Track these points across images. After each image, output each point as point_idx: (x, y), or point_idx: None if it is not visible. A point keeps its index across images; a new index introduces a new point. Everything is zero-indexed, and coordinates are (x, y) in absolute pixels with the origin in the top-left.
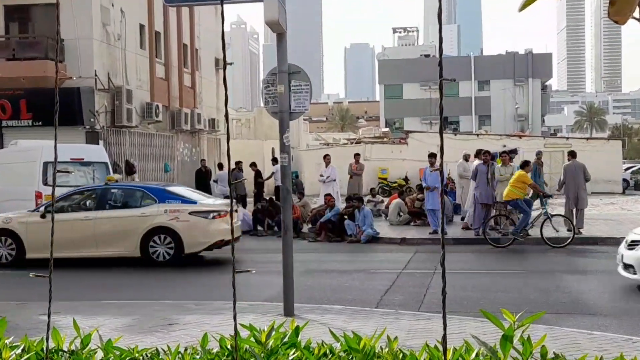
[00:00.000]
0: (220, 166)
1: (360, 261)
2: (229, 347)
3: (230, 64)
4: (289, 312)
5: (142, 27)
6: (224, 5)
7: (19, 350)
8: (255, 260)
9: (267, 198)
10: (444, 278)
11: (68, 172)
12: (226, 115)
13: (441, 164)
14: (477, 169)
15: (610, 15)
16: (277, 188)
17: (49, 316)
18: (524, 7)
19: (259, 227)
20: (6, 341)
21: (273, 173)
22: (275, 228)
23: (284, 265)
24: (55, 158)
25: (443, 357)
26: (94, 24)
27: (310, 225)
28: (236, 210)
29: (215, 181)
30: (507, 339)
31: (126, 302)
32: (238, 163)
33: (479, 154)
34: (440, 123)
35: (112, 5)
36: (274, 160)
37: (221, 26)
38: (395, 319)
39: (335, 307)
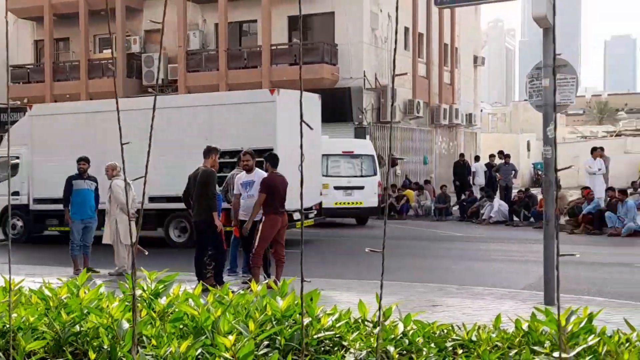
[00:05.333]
0: (477, 159)
1: (621, 254)
2: (524, 328)
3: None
4: (549, 301)
5: (406, 29)
6: (484, 5)
7: (333, 318)
8: (512, 249)
9: (523, 189)
10: None
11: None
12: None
13: None
14: None
15: None
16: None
17: (381, 287)
18: None
19: (515, 218)
20: (319, 310)
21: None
22: (532, 219)
23: (545, 256)
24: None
25: None
26: (364, 29)
27: (567, 218)
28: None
29: (474, 173)
30: None
31: (391, 282)
32: (507, 156)
33: None
34: None
35: (381, 10)
36: (506, 156)
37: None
38: None
39: (596, 299)
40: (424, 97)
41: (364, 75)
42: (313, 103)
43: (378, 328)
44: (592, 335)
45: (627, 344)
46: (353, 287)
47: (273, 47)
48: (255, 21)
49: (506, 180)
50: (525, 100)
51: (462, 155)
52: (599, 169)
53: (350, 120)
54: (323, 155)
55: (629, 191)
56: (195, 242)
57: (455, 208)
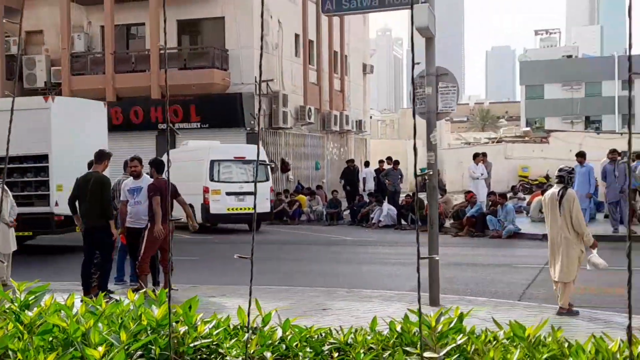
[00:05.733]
0: (367, 164)
1: (502, 255)
2: (398, 329)
3: (418, 63)
4: (434, 302)
5: (297, 36)
6: (372, 14)
7: (211, 326)
8: (400, 252)
9: (411, 194)
10: (629, 270)
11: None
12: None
13: (628, 160)
14: (605, 169)
15: None
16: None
17: (250, 294)
18: None
19: (403, 222)
20: (198, 317)
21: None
22: (419, 223)
23: (430, 258)
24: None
25: (628, 346)
26: (254, 34)
27: (452, 221)
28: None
29: (364, 178)
30: None
31: (283, 287)
32: (396, 162)
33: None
34: (628, 115)
35: (271, 17)
36: (395, 162)
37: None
38: (539, 312)
39: (478, 299)
40: (315, 104)
41: (255, 81)
42: (99, 110)
43: (247, 335)
44: (461, 335)
45: (494, 342)
46: (245, 294)
47: (162, 51)
48: (143, 24)
49: (395, 185)
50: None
51: (351, 160)
52: (482, 174)
53: (241, 126)
54: (214, 160)
55: (508, 195)
56: (85, 249)
57: (346, 213)
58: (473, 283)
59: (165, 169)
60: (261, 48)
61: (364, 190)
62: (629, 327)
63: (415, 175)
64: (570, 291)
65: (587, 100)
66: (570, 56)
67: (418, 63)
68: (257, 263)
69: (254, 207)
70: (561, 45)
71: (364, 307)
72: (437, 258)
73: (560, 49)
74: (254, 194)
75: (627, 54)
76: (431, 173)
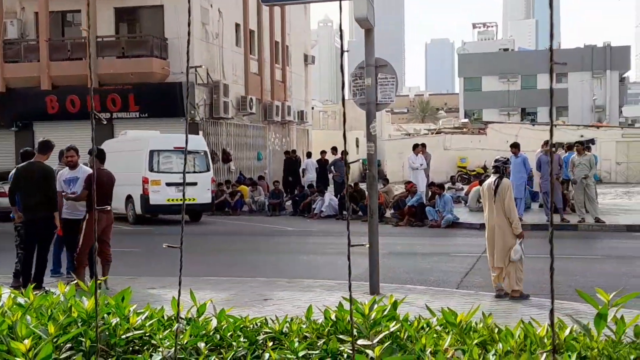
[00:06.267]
0: (309, 155)
1: (440, 245)
2: (333, 318)
3: (347, 51)
4: (374, 290)
5: (237, 25)
6: (313, 4)
7: (143, 317)
8: (341, 242)
9: (352, 184)
10: (552, 256)
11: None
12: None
13: (551, 150)
14: (539, 160)
15: None
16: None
17: (179, 284)
18: None
19: (345, 212)
20: (131, 309)
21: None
22: (360, 213)
23: (370, 247)
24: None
25: (551, 329)
26: (194, 23)
27: (392, 211)
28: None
29: (304, 169)
30: (601, 317)
31: (223, 278)
32: (343, 153)
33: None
34: (550, 107)
35: (211, 5)
36: (342, 153)
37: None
38: (476, 299)
39: (418, 287)
40: (257, 94)
41: (196, 71)
42: None
43: (176, 325)
44: (395, 322)
45: (427, 329)
46: (186, 285)
47: (99, 39)
48: (79, 11)
49: (342, 176)
50: (351, 98)
51: (293, 151)
52: (421, 164)
53: (182, 116)
54: (153, 150)
55: (447, 185)
56: (26, 241)
57: (288, 203)
58: (413, 272)
59: (107, 159)
60: (188, 34)
61: (303, 180)
62: (552, 312)
63: (346, 163)
64: (520, 276)
65: (523, 93)
66: (506, 49)
67: (347, 51)
68: (198, 254)
69: (183, 198)
70: (498, 38)
71: (305, 297)
72: (366, 245)
73: (497, 42)
74: (182, 184)
75: (549, 46)
76: (361, 160)
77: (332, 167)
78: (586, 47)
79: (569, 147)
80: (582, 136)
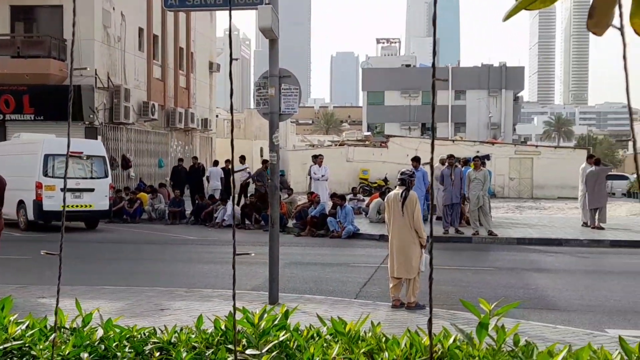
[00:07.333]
0: (216, 163)
1: (341, 255)
2: (222, 327)
3: (236, 59)
4: (273, 300)
5: (141, 30)
6: (219, 12)
7: (24, 327)
8: (241, 252)
9: (255, 194)
10: (431, 265)
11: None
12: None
13: (431, 163)
14: (442, 173)
15: (588, 28)
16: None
17: (57, 292)
18: (508, 17)
19: (247, 221)
20: (11, 318)
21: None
22: (262, 222)
23: (270, 257)
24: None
25: (429, 337)
26: (95, 26)
27: (295, 221)
28: (224, 205)
29: (208, 177)
30: (482, 326)
31: (120, 287)
32: (265, 162)
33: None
34: (432, 124)
35: (113, 9)
36: (264, 162)
37: (229, 31)
38: (373, 309)
39: (317, 297)
40: (160, 100)
41: (96, 74)
42: None
43: (52, 335)
44: (285, 332)
45: (317, 338)
46: (81, 294)
47: None
48: None
49: (265, 186)
50: (255, 108)
51: (195, 158)
52: (322, 175)
53: (80, 120)
54: (48, 155)
55: (348, 197)
56: None
57: (189, 211)
58: (312, 281)
59: None
60: (73, 35)
61: (207, 188)
62: (430, 321)
63: (232, 171)
64: (417, 287)
65: (424, 108)
66: (408, 65)
67: (236, 59)
68: (94, 262)
69: (64, 201)
70: (401, 54)
71: (203, 307)
72: (252, 255)
73: (400, 58)
74: (63, 190)
75: (432, 62)
76: (246, 168)
77: (256, 178)
78: (483, 66)
79: (465, 161)
80: (478, 152)
